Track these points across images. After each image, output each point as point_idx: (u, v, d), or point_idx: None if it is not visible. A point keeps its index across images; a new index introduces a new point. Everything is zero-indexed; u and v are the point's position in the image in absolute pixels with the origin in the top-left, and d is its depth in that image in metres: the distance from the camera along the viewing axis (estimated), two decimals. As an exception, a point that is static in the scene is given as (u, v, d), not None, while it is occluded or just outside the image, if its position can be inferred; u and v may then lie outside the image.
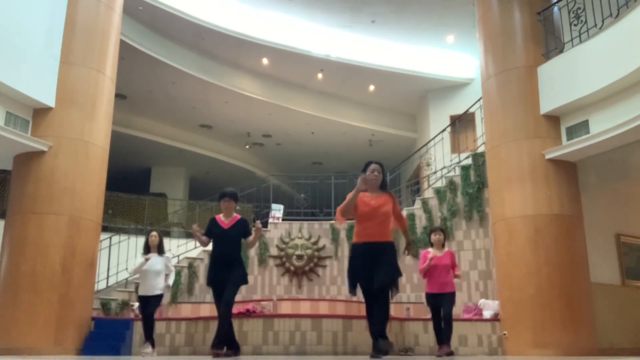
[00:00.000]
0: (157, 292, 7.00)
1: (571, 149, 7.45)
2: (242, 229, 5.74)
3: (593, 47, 7.13)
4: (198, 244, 7.18)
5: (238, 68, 13.76)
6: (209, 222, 5.89)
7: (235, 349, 5.72)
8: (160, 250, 7.13)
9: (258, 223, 5.57)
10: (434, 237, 6.69)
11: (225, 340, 5.56)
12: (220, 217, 5.82)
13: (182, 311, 9.28)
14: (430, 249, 6.69)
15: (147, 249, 7.12)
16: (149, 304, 6.96)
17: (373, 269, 4.61)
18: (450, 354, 6.25)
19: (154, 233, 7.21)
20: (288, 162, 18.20)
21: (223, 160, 16.90)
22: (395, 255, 4.82)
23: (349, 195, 4.74)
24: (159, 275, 7.02)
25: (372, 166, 4.82)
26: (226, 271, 5.58)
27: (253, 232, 5.68)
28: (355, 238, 4.82)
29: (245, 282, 5.74)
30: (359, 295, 4.90)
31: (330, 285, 10.41)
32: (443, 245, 6.69)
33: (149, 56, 12.10)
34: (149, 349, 6.94)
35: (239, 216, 5.85)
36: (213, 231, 5.76)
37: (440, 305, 6.44)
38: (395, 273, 4.72)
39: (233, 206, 5.79)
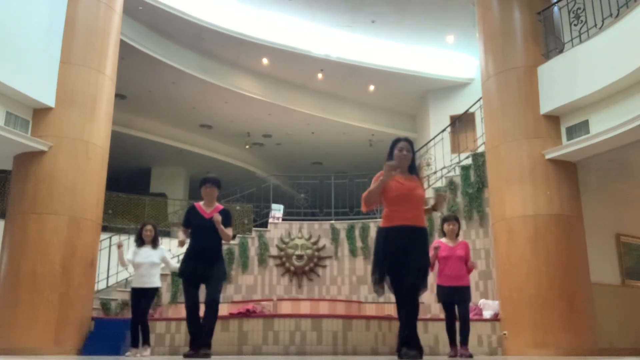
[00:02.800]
0: (154, 285, 6.70)
1: (571, 149, 7.45)
2: (223, 219, 5.18)
3: (593, 47, 7.14)
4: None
5: (238, 68, 13.75)
6: (187, 210, 5.44)
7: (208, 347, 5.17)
8: (155, 244, 6.80)
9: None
10: (447, 227, 6.24)
11: (203, 341, 5.15)
12: (201, 205, 5.32)
13: (182, 311, 9.19)
14: (442, 239, 6.30)
15: (140, 242, 6.78)
16: (143, 297, 6.64)
17: (406, 257, 3.95)
18: (470, 356, 5.86)
19: (149, 227, 6.84)
20: (288, 162, 18.19)
21: (223, 160, 16.88)
22: (428, 244, 4.21)
23: (375, 183, 4.10)
24: (154, 267, 6.73)
25: (401, 144, 4.17)
26: (206, 266, 5.12)
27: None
28: (384, 222, 4.10)
29: (226, 278, 5.31)
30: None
31: (330, 285, 10.40)
32: (457, 236, 6.28)
33: (149, 56, 12.09)
34: (147, 351, 6.74)
35: (221, 206, 5.37)
36: (192, 221, 5.24)
37: (454, 301, 6.03)
38: (426, 271, 4.10)
39: (216, 194, 5.32)
